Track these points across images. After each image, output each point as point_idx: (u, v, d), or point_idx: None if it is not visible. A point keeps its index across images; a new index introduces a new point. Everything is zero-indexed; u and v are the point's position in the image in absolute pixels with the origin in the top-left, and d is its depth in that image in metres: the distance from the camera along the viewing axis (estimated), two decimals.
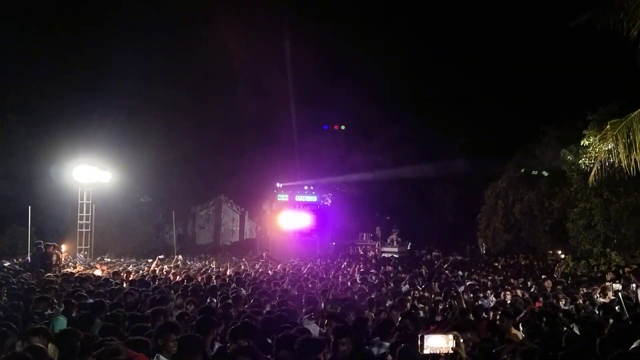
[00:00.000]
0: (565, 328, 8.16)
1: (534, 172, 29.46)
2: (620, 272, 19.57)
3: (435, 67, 42.13)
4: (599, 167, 14.18)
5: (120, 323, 7.45)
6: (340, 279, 17.07)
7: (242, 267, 21.25)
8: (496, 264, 25.87)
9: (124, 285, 13.24)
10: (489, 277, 18.33)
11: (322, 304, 10.23)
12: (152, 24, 35.66)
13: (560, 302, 11.72)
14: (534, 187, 28.54)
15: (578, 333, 7.65)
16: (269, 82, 36.15)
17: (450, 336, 3.85)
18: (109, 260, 24.32)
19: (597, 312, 10.03)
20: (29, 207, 22.50)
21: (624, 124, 13.69)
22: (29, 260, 19.50)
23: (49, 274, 15.12)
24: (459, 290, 13.18)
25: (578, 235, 23.61)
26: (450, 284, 15.48)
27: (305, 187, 35.01)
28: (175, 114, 36.28)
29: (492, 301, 12.30)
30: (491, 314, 9.63)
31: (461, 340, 3.91)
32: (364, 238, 35.78)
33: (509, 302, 11.73)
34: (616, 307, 9.89)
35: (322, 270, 20.53)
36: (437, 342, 3.82)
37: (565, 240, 25.28)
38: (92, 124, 29.36)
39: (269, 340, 6.50)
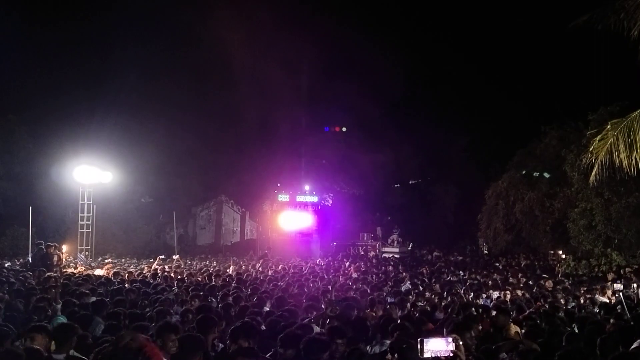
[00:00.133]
0: (568, 328, 8.15)
1: (535, 174, 29.48)
2: (621, 272, 19.58)
3: (437, 68, 42.19)
4: (599, 167, 14.16)
5: (121, 322, 7.46)
6: (341, 279, 17.07)
7: (243, 267, 21.25)
8: (497, 264, 25.86)
9: (126, 285, 13.23)
10: (492, 277, 18.31)
11: (323, 304, 10.22)
12: (153, 24, 35.77)
13: (561, 302, 11.72)
14: (535, 187, 28.53)
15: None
16: (270, 83, 36.17)
17: (450, 339, 3.86)
18: (109, 260, 24.33)
19: (597, 312, 10.03)
20: (30, 207, 22.53)
21: (624, 124, 13.68)
22: (30, 261, 19.53)
23: (49, 274, 15.13)
24: (460, 290, 13.18)
25: (579, 235, 23.60)
26: (451, 283, 15.49)
27: (306, 187, 35.00)
28: (176, 114, 36.33)
29: (492, 300, 12.29)
30: (493, 313, 9.62)
31: (460, 343, 3.92)
32: (365, 238, 35.80)
33: (508, 301, 11.72)
34: (617, 307, 9.89)
35: (322, 270, 20.52)
36: (437, 345, 3.83)
37: (566, 241, 25.28)
38: (93, 124, 29.39)
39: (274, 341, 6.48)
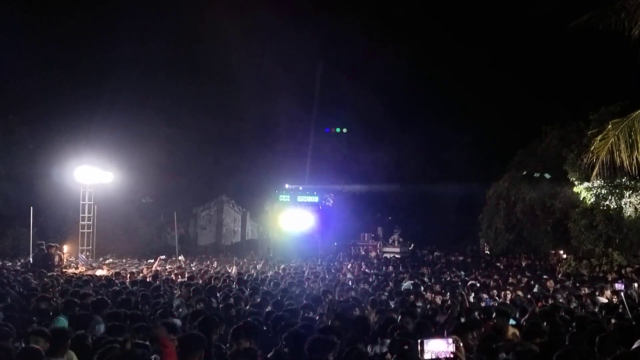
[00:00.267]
0: (570, 328, 8.13)
1: (536, 175, 29.49)
2: (623, 272, 19.56)
3: (438, 68, 42.13)
4: (600, 167, 14.16)
5: (124, 323, 7.45)
6: (341, 278, 17.06)
7: (244, 268, 21.27)
8: (498, 264, 25.84)
9: (128, 284, 13.23)
10: (493, 277, 18.29)
11: (324, 304, 10.20)
12: (153, 23, 35.76)
13: (562, 302, 11.71)
14: (536, 187, 28.52)
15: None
16: (271, 83, 36.20)
17: (451, 340, 3.86)
18: (110, 260, 24.35)
19: (597, 311, 10.01)
20: (31, 208, 22.54)
21: (625, 124, 13.70)
22: (31, 261, 19.54)
23: (51, 275, 15.13)
24: (461, 290, 13.15)
25: (580, 235, 23.59)
26: (452, 283, 15.46)
27: (308, 188, 34.99)
28: (178, 114, 36.36)
29: (493, 301, 12.28)
30: (493, 314, 9.60)
31: (461, 344, 3.92)
32: (366, 238, 35.77)
33: (508, 301, 11.70)
34: (619, 307, 9.87)
35: (324, 270, 20.52)
36: (438, 346, 3.82)
37: (567, 240, 25.26)
38: (93, 124, 29.38)
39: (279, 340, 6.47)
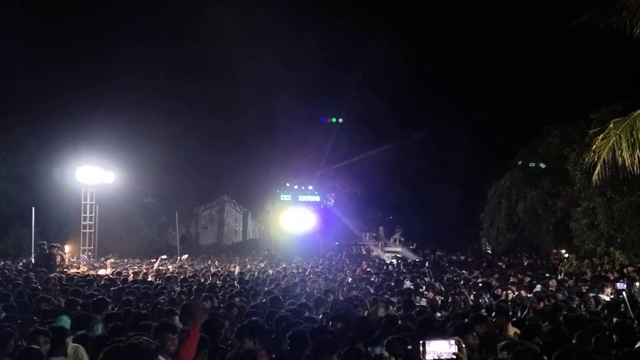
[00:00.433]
0: (570, 327, 8.12)
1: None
2: (624, 271, 19.55)
3: (439, 67, 42.14)
4: (602, 166, 14.13)
5: (123, 321, 7.46)
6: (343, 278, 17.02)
7: (247, 267, 21.29)
8: (500, 263, 25.85)
9: (129, 283, 13.23)
10: (494, 276, 18.28)
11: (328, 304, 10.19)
12: (154, 23, 35.78)
13: (564, 301, 11.70)
14: (537, 186, 28.52)
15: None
16: (272, 82, 36.21)
17: (453, 341, 3.85)
18: (112, 260, 24.36)
19: (600, 310, 10.01)
20: (33, 208, 22.56)
21: (627, 123, 13.66)
22: (33, 261, 19.56)
23: (53, 274, 15.15)
24: (462, 289, 13.14)
25: (581, 234, 23.60)
26: (454, 283, 15.45)
27: (309, 187, 35.00)
28: (179, 114, 36.38)
29: (494, 300, 12.26)
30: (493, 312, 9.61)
31: (463, 346, 3.91)
32: (367, 238, 35.78)
33: (509, 300, 11.70)
34: (621, 306, 9.87)
35: (326, 269, 20.52)
36: (439, 347, 3.82)
37: (569, 240, 25.27)
38: (95, 124, 29.39)
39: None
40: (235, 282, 13.95)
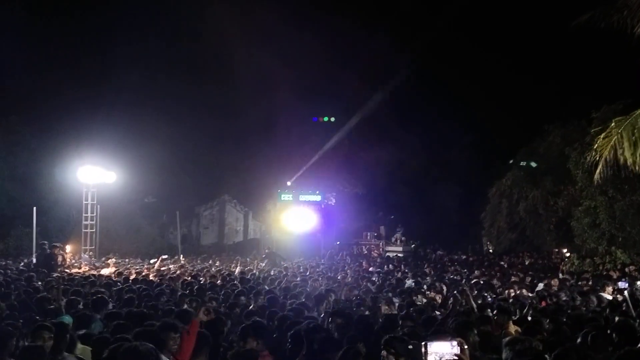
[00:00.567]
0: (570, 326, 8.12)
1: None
2: (626, 270, 19.54)
3: (439, 66, 42.13)
4: (603, 165, 14.13)
5: (124, 320, 7.46)
6: (345, 278, 17.04)
7: (248, 267, 21.28)
8: (501, 262, 25.84)
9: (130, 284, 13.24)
10: (496, 276, 18.29)
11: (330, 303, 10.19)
12: (154, 24, 35.76)
13: (566, 300, 11.70)
14: (539, 185, 28.51)
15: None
16: (273, 82, 36.16)
17: (455, 342, 3.86)
18: (113, 260, 24.37)
19: (602, 309, 10.00)
20: (34, 208, 22.59)
21: (628, 122, 13.67)
22: (34, 261, 19.58)
23: (54, 275, 15.16)
24: (463, 287, 13.12)
25: (583, 233, 23.58)
26: (455, 282, 15.45)
27: (310, 187, 35.01)
28: (180, 114, 36.36)
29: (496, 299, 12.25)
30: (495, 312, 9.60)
31: (465, 347, 3.92)
32: (368, 237, 35.77)
33: (511, 299, 11.69)
34: (623, 305, 9.86)
35: (327, 269, 20.54)
36: (441, 348, 3.82)
37: (570, 239, 25.26)
38: (96, 124, 29.40)
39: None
40: (236, 281, 13.96)
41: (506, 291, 13.37)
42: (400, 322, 7.51)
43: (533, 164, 30.36)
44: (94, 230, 25.47)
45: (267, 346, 6.03)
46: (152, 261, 22.37)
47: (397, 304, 10.42)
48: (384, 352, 5.46)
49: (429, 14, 44.74)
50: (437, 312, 9.47)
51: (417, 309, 9.27)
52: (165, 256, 23.35)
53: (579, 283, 15.62)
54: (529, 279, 17.09)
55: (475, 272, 20.34)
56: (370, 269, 21.68)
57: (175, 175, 35.86)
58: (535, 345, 6.00)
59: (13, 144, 27.62)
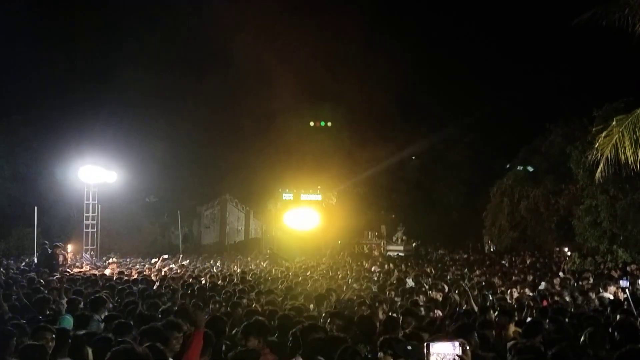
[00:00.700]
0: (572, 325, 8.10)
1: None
2: (627, 269, 19.51)
3: (440, 64, 42.10)
4: (604, 164, 14.11)
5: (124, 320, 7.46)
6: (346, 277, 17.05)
7: (250, 266, 21.31)
8: (503, 261, 25.83)
9: (131, 285, 13.23)
10: (497, 275, 18.28)
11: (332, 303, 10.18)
12: (157, 24, 35.79)
13: (566, 299, 11.69)
14: (540, 184, 28.50)
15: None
16: (273, 81, 36.13)
17: (457, 343, 3.84)
18: (114, 260, 24.39)
19: (604, 308, 9.99)
20: (35, 207, 22.62)
21: (630, 120, 13.65)
22: (35, 261, 19.60)
23: (55, 274, 15.17)
24: (465, 288, 13.11)
25: (584, 232, 23.57)
26: (456, 281, 15.44)
27: (311, 186, 35.00)
28: (180, 114, 36.34)
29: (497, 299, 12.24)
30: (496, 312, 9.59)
31: (467, 348, 3.90)
32: (369, 236, 35.74)
33: (514, 299, 11.68)
34: (624, 304, 9.85)
35: (329, 268, 20.53)
36: (443, 349, 3.81)
37: (572, 238, 25.26)
38: (97, 124, 29.44)
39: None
40: (236, 280, 13.96)
41: (508, 290, 13.35)
42: (401, 322, 7.50)
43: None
44: (95, 229, 25.49)
45: (269, 345, 6.02)
46: (153, 261, 22.38)
47: (398, 304, 10.42)
48: (380, 354, 5.43)
49: (431, 12, 44.66)
50: (439, 312, 9.46)
51: (418, 309, 9.27)
52: (166, 256, 23.37)
53: (580, 283, 15.59)
54: (530, 277, 17.07)
55: (477, 271, 20.34)
56: (372, 268, 21.65)
57: (176, 175, 35.85)
58: (536, 346, 5.99)
59: (15, 144, 27.69)
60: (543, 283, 15.14)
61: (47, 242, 19.91)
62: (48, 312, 8.59)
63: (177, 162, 35.95)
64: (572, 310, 9.31)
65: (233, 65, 36.43)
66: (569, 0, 23.07)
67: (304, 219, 32.62)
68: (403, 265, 22.87)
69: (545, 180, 28.35)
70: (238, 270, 18.59)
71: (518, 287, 13.92)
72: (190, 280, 14.31)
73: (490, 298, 11.98)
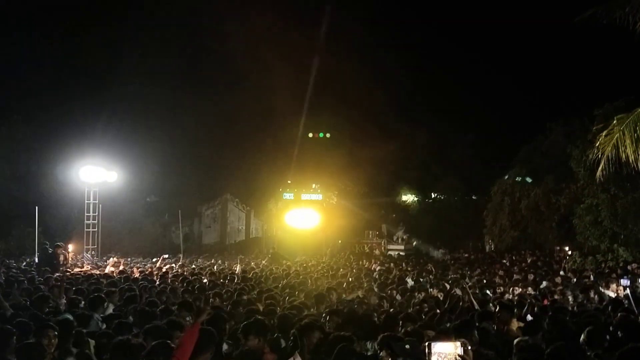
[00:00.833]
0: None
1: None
2: (628, 267, 19.50)
3: (441, 64, 42.11)
4: (605, 163, 14.10)
5: (128, 321, 7.47)
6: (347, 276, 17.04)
7: (252, 264, 21.31)
8: (504, 260, 25.81)
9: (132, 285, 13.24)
10: (498, 274, 18.27)
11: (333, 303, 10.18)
12: (157, 26, 35.77)
13: (569, 298, 11.69)
14: (540, 183, 28.47)
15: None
16: (273, 81, 36.11)
17: (459, 343, 3.84)
18: (114, 259, 24.40)
19: (604, 307, 9.98)
20: (36, 207, 22.63)
21: (630, 119, 13.63)
22: (36, 261, 19.61)
23: (56, 274, 15.17)
24: (464, 285, 13.11)
25: (585, 231, 23.56)
26: (457, 280, 15.43)
27: (311, 186, 34.98)
28: (181, 113, 36.38)
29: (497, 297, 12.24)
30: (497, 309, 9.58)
31: (469, 347, 3.90)
32: (370, 236, 35.72)
33: (516, 297, 11.67)
34: (625, 302, 9.84)
35: (329, 267, 20.51)
36: (444, 349, 3.81)
37: (572, 237, 25.24)
38: (98, 124, 29.48)
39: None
40: (237, 280, 13.96)
41: (510, 289, 13.35)
42: (400, 321, 7.49)
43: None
44: (96, 229, 25.51)
45: (269, 344, 6.02)
46: (153, 260, 22.40)
47: (398, 302, 10.42)
48: (382, 354, 5.43)
49: (431, 12, 44.68)
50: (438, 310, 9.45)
51: (419, 308, 9.27)
52: (167, 255, 23.37)
53: (582, 281, 15.58)
54: (531, 276, 17.07)
55: (477, 270, 20.34)
56: (373, 267, 21.65)
57: (177, 175, 35.88)
58: (537, 343, 5.99)
59: (15, 144, 27.70)
60: (544, 282, 15.13)
61: (47, 242, 19.94)
62: (47, 310, 8.59)
63: (178, 162, 36.00)
64: (574, 308, 9.28)
65: (233, 66, 36.47)
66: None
67: (305, 219, 32.60)
68: (404, 264, 22.88)
69: (545, 180, 28.32)
70: (238, 270, 18.57)
71: (519, 285, 13.90)
72: (191, 277, 14.31)
73: (491, 296, 11.98)
